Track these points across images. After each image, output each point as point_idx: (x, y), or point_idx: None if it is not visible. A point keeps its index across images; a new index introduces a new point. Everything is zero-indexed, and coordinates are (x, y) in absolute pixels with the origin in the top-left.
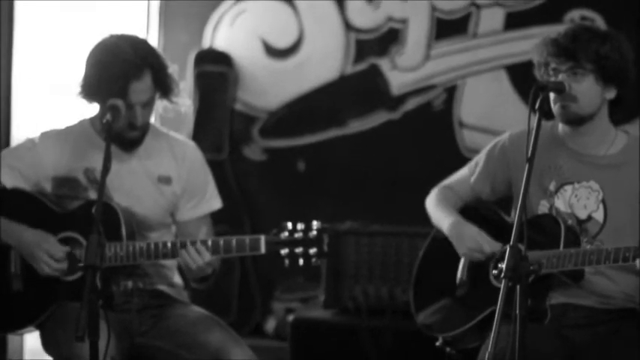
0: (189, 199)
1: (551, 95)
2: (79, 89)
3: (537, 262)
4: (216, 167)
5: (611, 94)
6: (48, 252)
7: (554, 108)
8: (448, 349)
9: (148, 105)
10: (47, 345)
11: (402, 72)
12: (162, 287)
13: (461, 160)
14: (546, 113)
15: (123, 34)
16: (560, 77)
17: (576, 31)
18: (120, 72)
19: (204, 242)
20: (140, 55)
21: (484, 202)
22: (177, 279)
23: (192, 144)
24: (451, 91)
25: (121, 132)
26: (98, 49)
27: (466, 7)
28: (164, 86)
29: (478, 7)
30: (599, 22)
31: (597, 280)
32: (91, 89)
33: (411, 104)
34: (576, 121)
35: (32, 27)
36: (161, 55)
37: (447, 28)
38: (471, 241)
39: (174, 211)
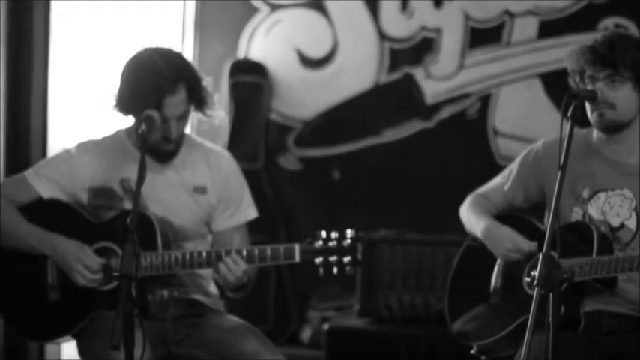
0: (224, 209)
1: (588, 104)
2: (114, 103)
3: (570, 269)
4: (251, 177)
5: None
6: (83, 262)
7: (592, 116)
8: (483, 357)
9: (183, 118)
10: (83, 354)
11: (436, 81)
12: (198, 296)
13: (495, 169)
14: (580, 121)
15: (157, 47)
16: (598, 85)
17: (613, 39)
18: (154, 86)
19: (239, 251)
20: (174, 69)
21: (517, 211)
22: (212, 288)
23: (227, 154)
24: (485, 100)
25: (155, 144)
26: (133, 62)
27: (500, 16)
28: (198, 99)
29: (512, 15)
30: (633, 30)
31: (630, 287)
32: (125, 103)
33: (445, 113)
34: (613, 128)
35: (68, 38)
36: (195, 69)
37: (481, 36)
38: (507, 241)
39: (210, 220)
